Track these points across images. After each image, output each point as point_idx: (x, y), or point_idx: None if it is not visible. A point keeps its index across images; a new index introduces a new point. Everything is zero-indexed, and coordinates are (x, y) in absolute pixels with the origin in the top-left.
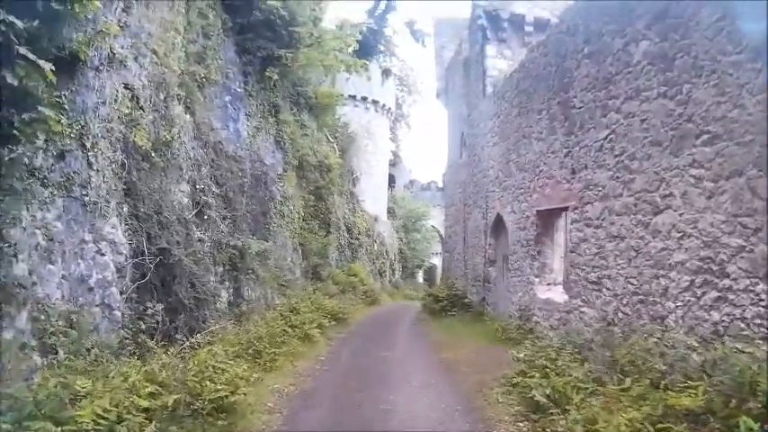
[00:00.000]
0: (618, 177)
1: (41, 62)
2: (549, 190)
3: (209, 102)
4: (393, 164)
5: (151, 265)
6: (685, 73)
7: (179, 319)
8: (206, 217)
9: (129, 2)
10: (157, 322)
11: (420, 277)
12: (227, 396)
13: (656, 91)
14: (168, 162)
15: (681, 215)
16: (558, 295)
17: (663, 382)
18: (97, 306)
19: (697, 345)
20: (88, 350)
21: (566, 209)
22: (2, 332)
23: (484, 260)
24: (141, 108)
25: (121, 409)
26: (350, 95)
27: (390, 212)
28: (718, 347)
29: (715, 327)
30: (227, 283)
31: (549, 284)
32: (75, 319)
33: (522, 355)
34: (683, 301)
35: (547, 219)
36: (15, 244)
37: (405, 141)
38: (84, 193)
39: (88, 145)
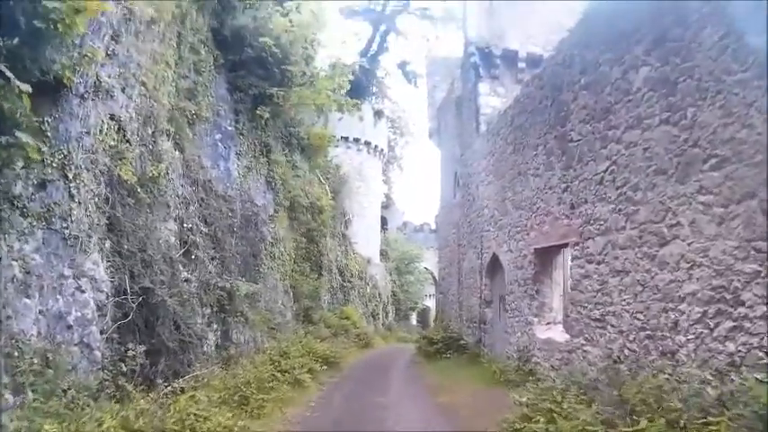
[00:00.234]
0: (620, 210)
1: (18, 82)
2: (547, 227)
3: (198, 139)
4: (385, 206)
5: (134, 305)
6: (689, 96)
7: (161, 362)
8: (193, 257)
9: (119, 30)
10: (139, 365)
11: (413, 320)
12: None
13: (659, 118)
14: (155, 198)
15: (690, 244)
16: (558, 335)
17: (681, 421)
18: (75, 345)
19: (711, 378)
20: (64, 391)
21: (565, 245)
22: None
23: (480, 301)
24: (128, 141)
25: None
26: (342, 136)
27: (383, 255)
28: (735, 379)
29: (731, 357)
30: (214, 326)
31: (548, 324)
32: (51, 358)
33: (524, 399)
34: (694, 333)
35: (545, 257)
36: None
37: (397, 183)
38: (64, 225)
39: (70, 176)
